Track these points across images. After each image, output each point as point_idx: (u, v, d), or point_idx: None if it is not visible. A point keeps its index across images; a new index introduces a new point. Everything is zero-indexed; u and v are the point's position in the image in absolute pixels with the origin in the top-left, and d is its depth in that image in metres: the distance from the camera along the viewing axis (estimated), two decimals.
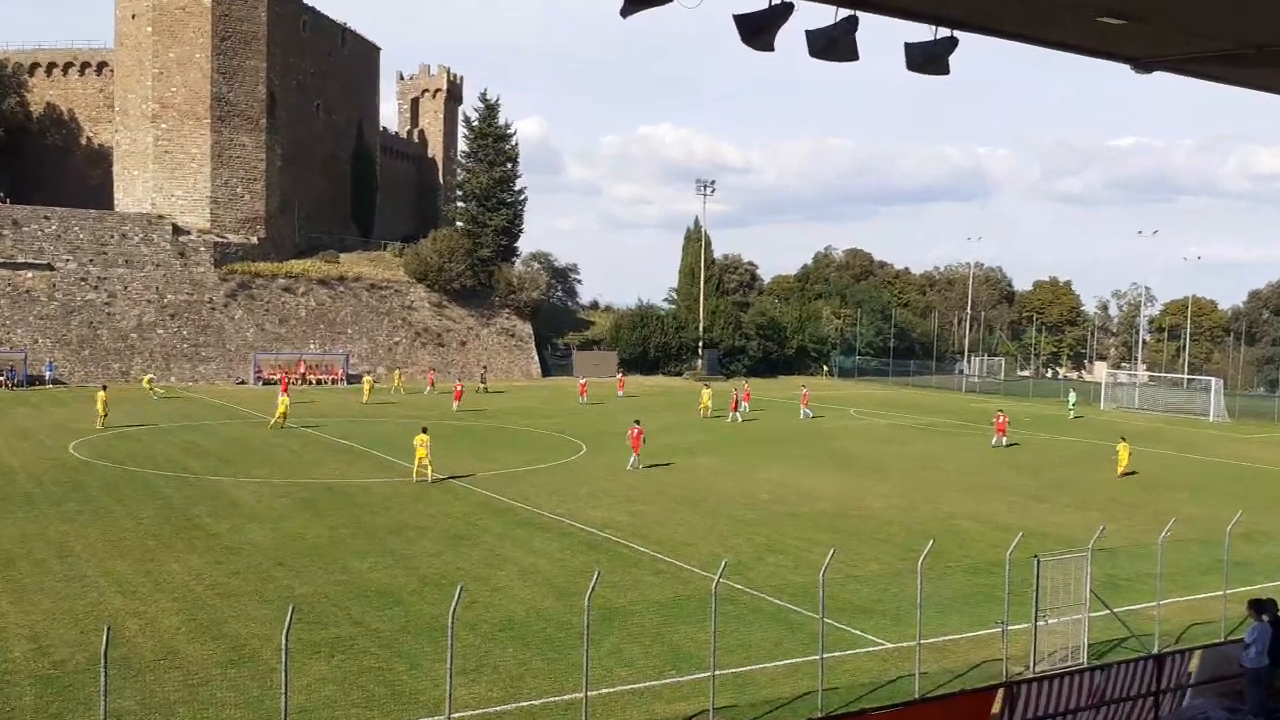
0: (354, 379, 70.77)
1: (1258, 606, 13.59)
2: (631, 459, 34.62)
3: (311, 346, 72.92)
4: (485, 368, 73.54)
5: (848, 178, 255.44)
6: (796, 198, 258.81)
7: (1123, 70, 5.48)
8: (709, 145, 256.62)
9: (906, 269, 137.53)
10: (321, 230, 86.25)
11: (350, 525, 24.61)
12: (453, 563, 21.28)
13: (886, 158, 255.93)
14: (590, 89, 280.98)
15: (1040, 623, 15.37)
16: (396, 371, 67.63)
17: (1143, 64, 5.61)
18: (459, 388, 55.65)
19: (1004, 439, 44.26)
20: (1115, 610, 17.09)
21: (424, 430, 31.85)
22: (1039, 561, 15.24)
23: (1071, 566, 16.17)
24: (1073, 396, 64.74)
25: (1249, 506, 27.62)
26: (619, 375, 70.67)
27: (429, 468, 30.52)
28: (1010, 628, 15.23)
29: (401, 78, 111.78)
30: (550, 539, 23.78)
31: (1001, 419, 45.32)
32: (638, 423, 35.79)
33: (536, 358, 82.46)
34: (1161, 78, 5.63)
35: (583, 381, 61.26)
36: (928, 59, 5.84)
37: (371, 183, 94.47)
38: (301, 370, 68.04)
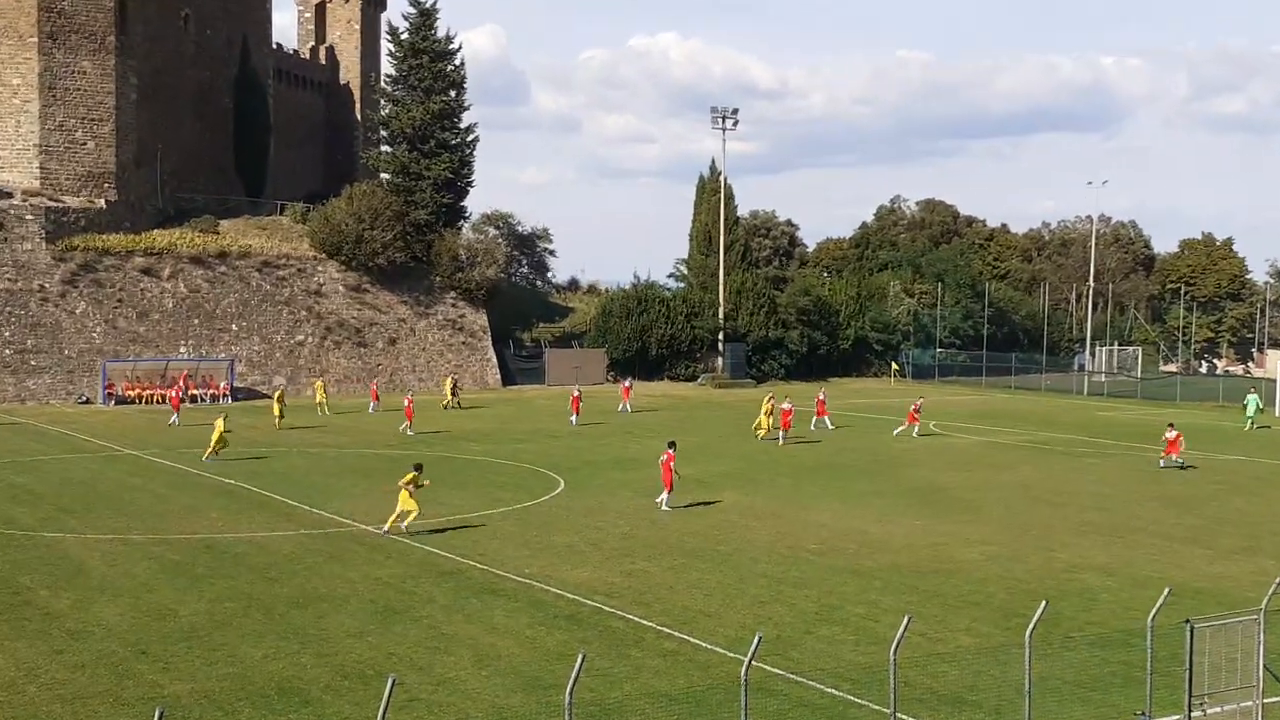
0: (251, 394, 70.80)
1: None
2: (662, 496, 34.91)
3: (183, 350, 73.08)
4: (455, 377, 73.40)
5: (923, 102, 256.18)
6: (852, 132, 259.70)
7: None
8: (729, 61, 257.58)
9: (1004, 226, 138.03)
10: (195, 189, 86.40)
11: (240, 597, 24.55)
12: (382, 646, 21.21)
13: (976, 74, 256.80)
14: None
15: (1197, 713, 15.33)
16: (318, 383, 67.86)
17: None
18: (409, 402, 55.80)
19: (1176, 458, 45.48)
20: None
21: (417, 468, 32.01)
22: (1192, 628, 15.21)
23: (1238, 634, 16.14)
24: (1252, 401, 64.42)
25: None
26: (624, 382, 71.12)
27: (411, 516, 31.29)
28: None
29: None
30: (516, 610, 23.72)
31: (1174, 435, 46.05)
32: (672, 446, 35.89)
33: (494, 359, 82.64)
34: None
35: (576, 393, 61.25)
36: None
37: (262, 122, 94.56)
38: (185, 383, 67.76)
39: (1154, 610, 15.79)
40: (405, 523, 31.07)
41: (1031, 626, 15.27)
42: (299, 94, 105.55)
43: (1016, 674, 16.66)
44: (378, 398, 65.97)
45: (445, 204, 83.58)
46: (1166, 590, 16.87)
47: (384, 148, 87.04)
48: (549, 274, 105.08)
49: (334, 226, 78.97)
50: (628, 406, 65.79)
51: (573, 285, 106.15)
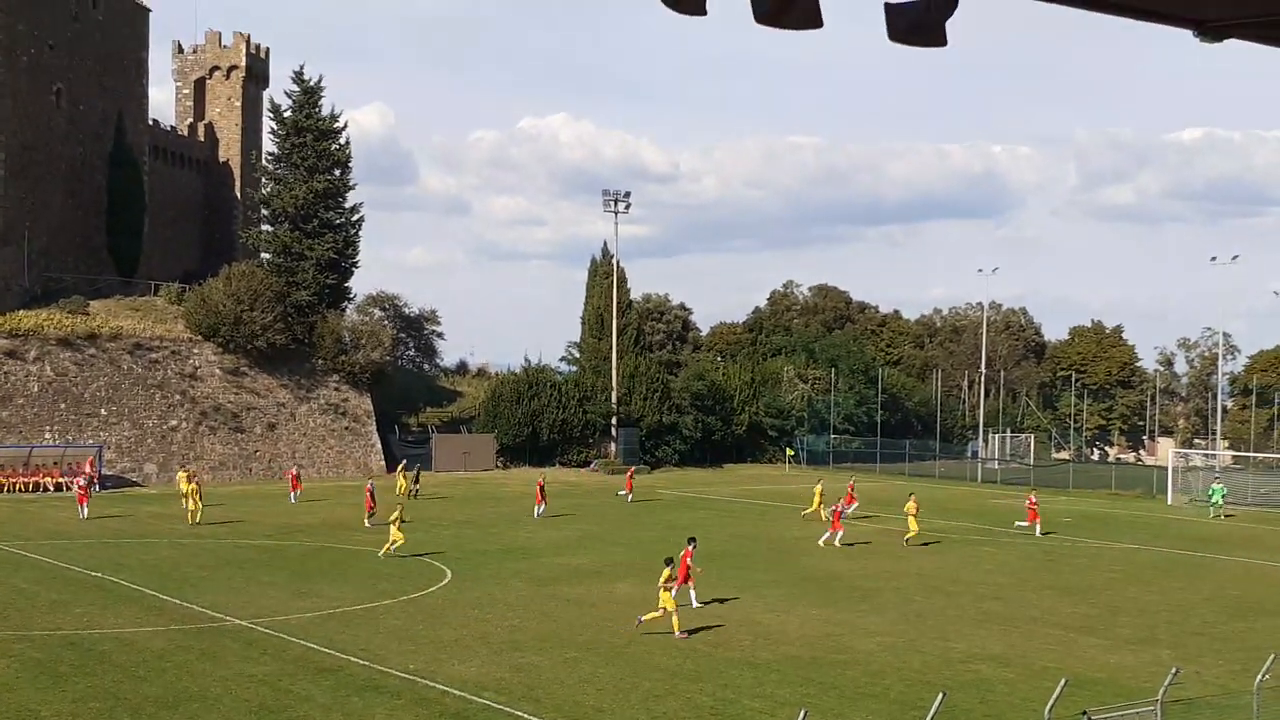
0: (121, 481, 69.12)
1: None
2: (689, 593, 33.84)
3: (48, 436, 71.17)
4: (418, 465, 71.16)
5: (816, 188, 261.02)
6: (745, 216, 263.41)
7: (1184, 39, 5.62)
8: (621, 143, 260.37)
9: (897, 312, 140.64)
10: (64, 269, 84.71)
11: (105, 697, 23.83)
12: None
13: (869, 161, 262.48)
14: (453, 65, 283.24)
15: None
16: (183, 474, 61.77)
17: (1211, 30, 5.78)
18: (369, 490, 54.26)
19: (1036, 525, 51.49)
20: None
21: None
22: None
23: None
24: (1217, 491, 64.89)
25: None
26: (629, 469, 72.37)
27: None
28: None
29: (180, 50, 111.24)
30: (400, 709, 23.31)
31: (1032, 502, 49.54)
32: (691, 542, 34.57)
33: (379, 445, 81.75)
34: (1238, 48, 5.80)
35: (540, 479, 60.58)
36: (917, 25, 5.94)
37: (136, 200, 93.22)
38: (88, 472, 64.69)
39: (1051, 701, 15.96)
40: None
41: (929, 719, 15.33)
42: (176, 171, 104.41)
43: None
44: (298, 485, 63.10)
45: (329, 285, 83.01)
46: (1063, 681, 17.08)
47: (265, 227, 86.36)
48: (437, 357, 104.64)
49: (211, 307, 77.91)
50: (628, 496, 65.46)
51: (461, 369, 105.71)
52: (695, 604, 33.75)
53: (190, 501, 52.04)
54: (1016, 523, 55.01)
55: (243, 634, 29.92)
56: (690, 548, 34.13)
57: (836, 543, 47.16)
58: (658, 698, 24.39)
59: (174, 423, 75.46)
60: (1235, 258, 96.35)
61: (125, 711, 22.90)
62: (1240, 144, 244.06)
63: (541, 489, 57.96)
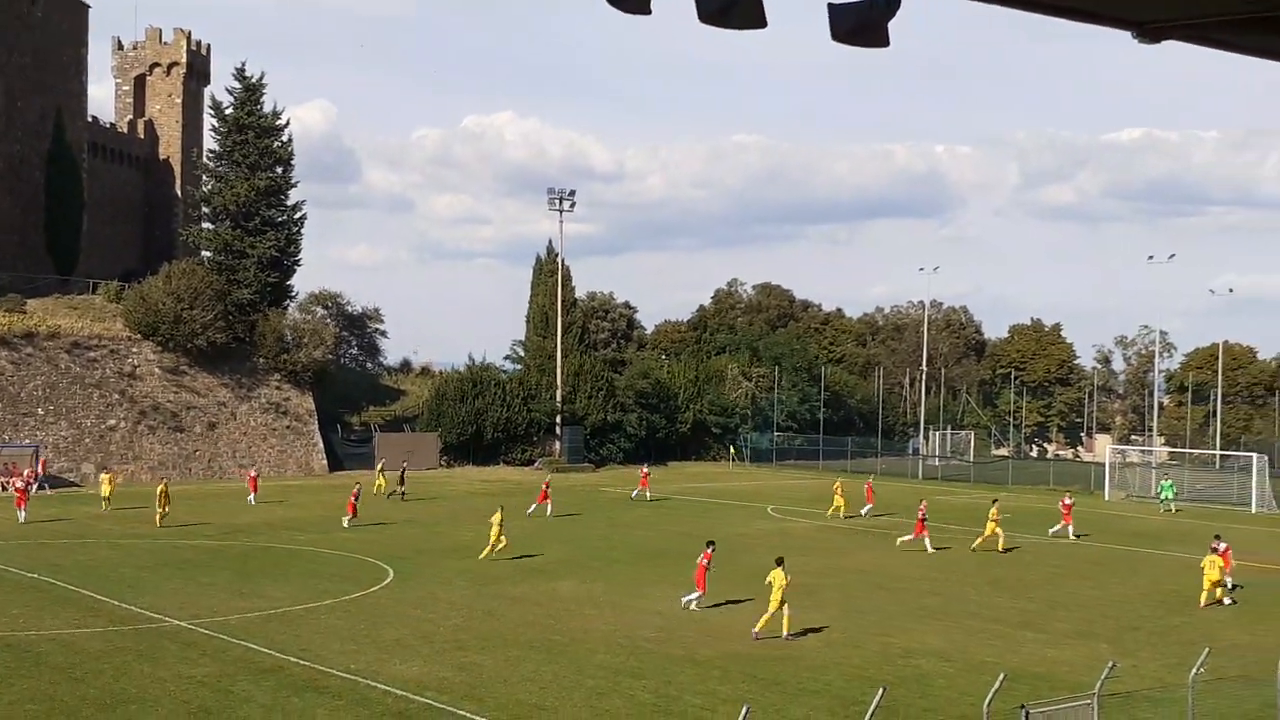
0: (58, 482, 68.14)
1: None
2: (693, 596, 33.63)
3: None
4: (404, 464, 69.52)
5: (759, 187, 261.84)
6: (690, 215, 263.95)
7: (1123, 40, 5.64)
8: (567, 142, 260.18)
9: (839, 311, 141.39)
10: (1, 267, 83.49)
11: (42, 699, 23.51)
12: None
13: (811, 161, 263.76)
14: (396, 63, 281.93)
15: None
16: (105, 476, 60.68)
17: (1150, 30, 5.81)
18: (355, 493, 53.29)
19: (1069, 528, 50.70)
20: None
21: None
22: (1027, 713, 15.51)
23: (1073, 719, 16.50)
24: (1167, 487, 66.73)
25: None
26: (643, 468, 71.31)
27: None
28: None
29: (120, 47, 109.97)
30: (341, 709, 23.15)
31: (1069, 501, 51.96)
32: (710, 545, 34.57)
33: (321, 444, 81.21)
34: (1175, 49, 5.84)
35: (546, 482, 60.49)
36: (860, 26, 5.95)
37: (75, 198, 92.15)
38: (26, 475, 63.34)
39: (989, 696, 16.07)
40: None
41: (869, 715, 15.40)
42: (116, 169, 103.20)
43: None
44: (256, 488, 61.14)
45: (270, 283, 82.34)
46: (1001, 675, 17.21)
47: (205, 225, 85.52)
48: (380, 356, 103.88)
49: (150, 306, 77.03)
50: (646, 494, 65.19)
51: (405, 367, 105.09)
52: (693, 607, 33.50)
53: (160, 504, 50.76)
54: (1051, 529, 52.16)
55: (182, 635, 29.61)
56: (709, 550, 34.12)
57: (929, 548, 46.15)
58: (601, 695, 24.37)
59: (112, 422, 74.55)
60: (1172, 257, 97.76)
61: (62, 714, 22.60)
62: (1178, 144, 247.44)
63: (547, 487, 57.85)
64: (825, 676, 26.19)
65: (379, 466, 68.86)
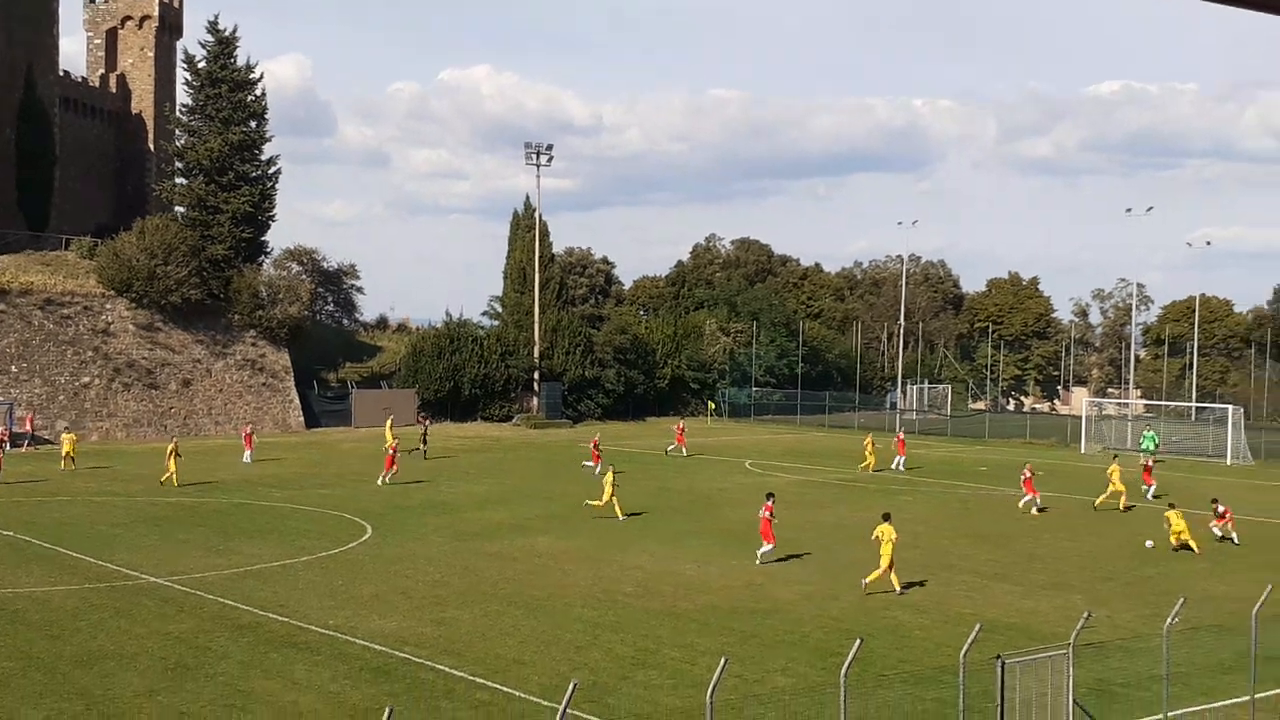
0: (32, 439, 67.92)
1: None
2: (765, 548, 33.94)
3: None
4: (428, 420, 69.30)
5: (738, 142, 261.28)
6: (668, 169, 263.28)
7: None
8: (545, 96, 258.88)
9: (818, 266, 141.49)
10: None
11: (18, 656, 23.48)
12: (174, 705, 20.48)
13: (791, 115, 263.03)
14: (372, 16, 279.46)
15: None
16: (68, 436, 59.56)
17: None
18: (393, 448, 52.89)
19: (1036, 499, 45.72)
20: None
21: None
22: (1003, 664, 15.61)
23: (1048, 670, 16.64)
24: (1150, 439, 67.21)
25: None
26: (679, 424, 71.80)
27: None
28: None
29: (91, 0, 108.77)
30: (319, 664, 23.18)
31: (1029, 475, 47.09)
32: (770, 497, 34.98)
33: (297, 401, 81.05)
34: (1156, 1, 5.78)
35: (596, 438, 61.91)
36: None
37: (47, 153, 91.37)
38: (1, 431, 63.65)
39: (965, 646, 16.17)
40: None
41: (846, 665, 15.48)
42: (87, 123, 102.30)
43: (832, 714, 16.88)
44: (252, 445, 60.46)
45: (245, 239, 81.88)
46: (978, 627, 17.31)
47: (179, 180, 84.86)
48: (356, 312, 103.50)
49: (124, 262, 76.55)
50: (682, 450, 65.71)
51: (382, 324, 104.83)
52: (760, 562, 33.77)
53: (171, 462, 50.45)
54: (1020, 502, 46.84)
55: (159, 591, 29.59)
56: (769, 503, 34.39)
57: (1034, 510, 45.35)
58: (579, 649, 24.47)
59: (86, 379, 74.22)
60: (1150, 209, 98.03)
61: (39, 670, 22.58)
62: (1157, 97, 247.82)
63: (596, 446, 58.30)
64: (803, 628, 26.34)
65: (388, 423, 68.53)
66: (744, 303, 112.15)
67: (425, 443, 63.83)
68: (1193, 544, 36.77)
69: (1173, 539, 36.96)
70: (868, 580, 30.04)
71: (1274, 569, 33.14)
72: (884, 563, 30.00)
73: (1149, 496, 49.27)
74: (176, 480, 49.84)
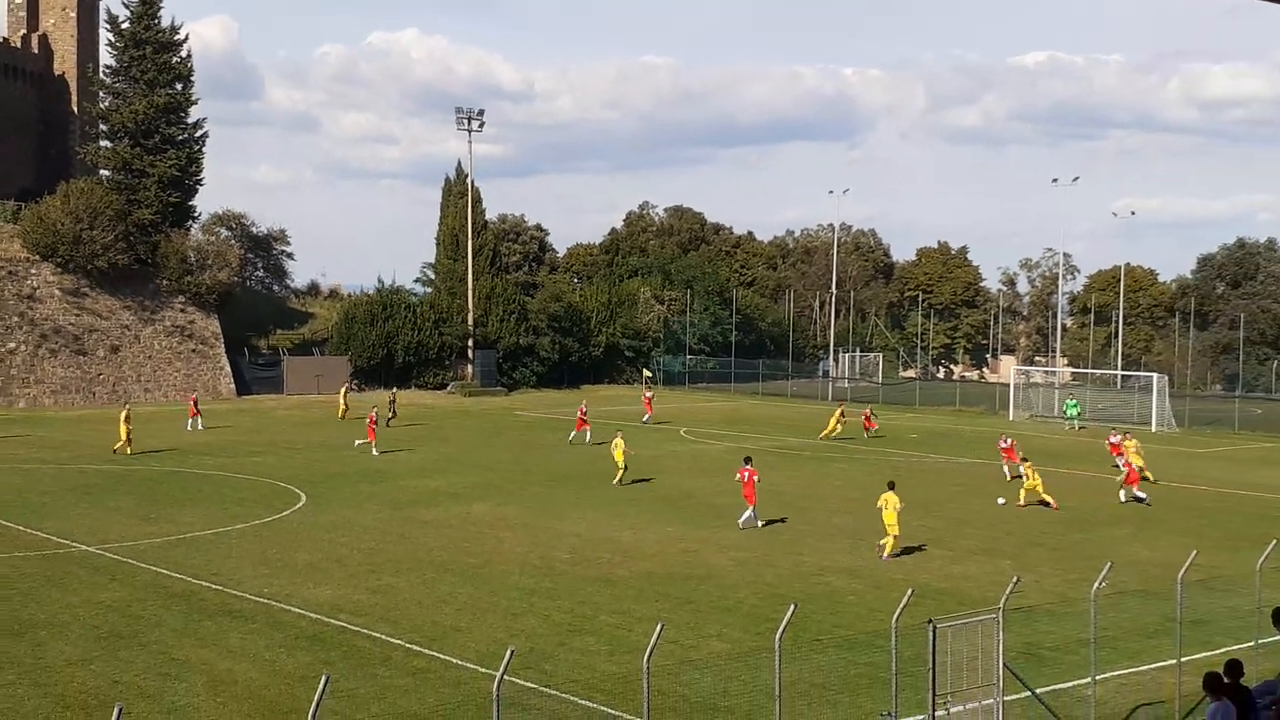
0: None
1: (1214, 682, 14.49)
2: (746, 514, 34.57)
3: None
4: (395, 389, 69.49)
5: (670, 109, 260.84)
6: (600, 136, 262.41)
7: None
8: (475, 61, 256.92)
9: (750, 234, 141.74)
10: None
11: None
12: (107, 674, 20.38)
13: (722, 83, 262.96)
14: None
15: (940, 712, 15.99)
16: None
17: None
18: (373, 418, 52.73)
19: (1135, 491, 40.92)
20: (1037, 691, 18.01)
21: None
22: (934, 628, 15.86)
23: (978, 634, 16.92)
24: (1073, 407, 68.47)
25: (1206, 545, 29.64)
26: (646, 393, 72.26)
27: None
28: None
29: None
30: (254, 632, 23.13)
31: (1007, 442, 47.22)
32: (748, 461, 35.61)
33: (228, 368, 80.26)
34: None
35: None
36: None
37: None
38: None
39: (897, 611, 16.40)
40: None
41: (780, 631, 15.67)
42: (8, 84, 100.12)
43: (767, 678, 17.07)
44: (198, 412, 59.97)
45: (172, 203, 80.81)
46: (910, 591, 17.56)
47: (104, 143, 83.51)
48: (287, 278, 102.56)
49: (49, 226, 75.32)
50: (649, 418, 66.26)
51: (313, 290, 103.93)
52: (743, 524, 34.38)
53: (123, 430, 49.63)
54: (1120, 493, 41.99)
55: (90, 560, 29.34)
56: (748, 466, 34.93)
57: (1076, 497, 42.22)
58: (515, 615, 24.57)
59: (12, 345, 73.05)
60: (1076, 179, 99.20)
61: None
62: (1082, 68, 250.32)
63: (583, 414, 57.68)
64: (738, 594, 26.59)
65: (342, 390, 68.45)
66: (678, 271, 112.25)
67: (394, 412, 63.90)
68: (1050, 500, 38.26)
69: (1023, 495, 38.81)
70: (885, 553, 30.68)
71: (1197, 534, 33.85)
72: (892, 530, 30.82)
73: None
74: (130, 449, 49.17)
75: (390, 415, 63.20)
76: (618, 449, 43.51)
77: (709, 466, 48.00)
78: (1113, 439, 49.60)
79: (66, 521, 34.16)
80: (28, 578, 27.33)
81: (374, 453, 50.26)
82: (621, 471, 42.84)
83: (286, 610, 24.72)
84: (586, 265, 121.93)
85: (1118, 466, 44.80)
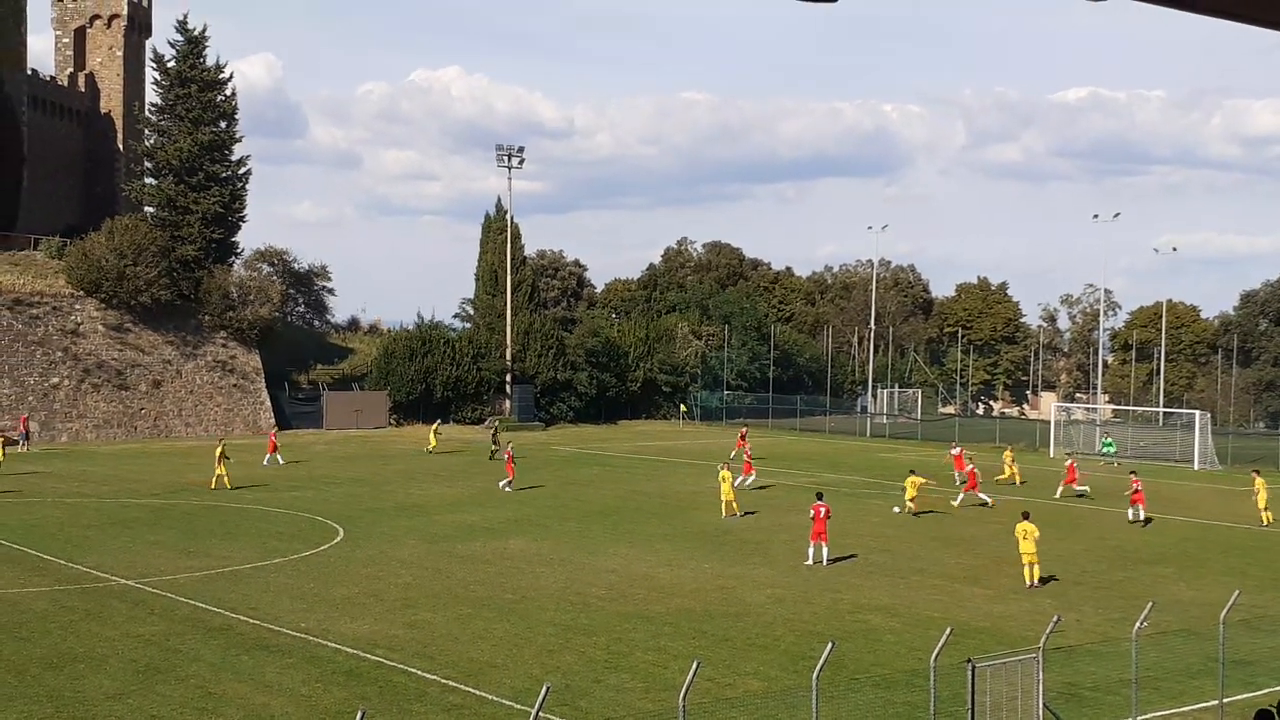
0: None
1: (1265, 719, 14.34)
2: (814, 549, 34.57)
3: None
4: (497, 420, 70.51)
5: (709, 146, 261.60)
6: (639, 173, 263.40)
7: None
8: (515, 98, 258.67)
9: (789, 270, 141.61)
10: None
11: None
12: (144, 709, 20.42)
13: (762, 119, 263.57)
14: (342, 16, 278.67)
15: None
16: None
17: None
18: (509, 454, 52.20)
19: (1142, 511, 44.03)
20: None
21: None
22: (974, 667, 15.71)
23: (1018, 673, 16.75)
24: (1110, 445, 70.13)
25: (1249, 585, 29.35)
26: (741, 430, 70.95)
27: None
28: None
29: None
30: (291, 667, 23.13)
31: (957, 450, 48.63)
32: (820, 497, 35.78)
33: (268, 403, 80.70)
34: (1121, 7, 5.90)
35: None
36: None
37: (14, 152, 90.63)
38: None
39: (936, 650, 16.26)
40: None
41: (818, 669, 15.55)
42: (56, 123, 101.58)
43: (804, 717, 16.93)
44: (275, 448, 59.67)
45: (215, 239, 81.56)
46: (948, 630, 17.41)
47: (148, 180, 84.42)
48: (328, 314, 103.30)
49: (93, 262, 76.12)
50: (743, 453, 65.18)
51: (353, 325, 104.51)
52: (810, 562, 34.30)
53: (220, 465, 49.57)
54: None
55: (130, 594, 29.46)
56: (820, 503, 35.03)
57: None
58: (551, 652, 24.48)
59: (55, 380, 73.75)
60: (1117, 215, 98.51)
61: (9, 672, 22.45)
62: (1124, 103, 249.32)
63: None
64: (775, 632, 26.41)
65: (434, 426, 69.24)
66: (715, 306, 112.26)
67: (496, 444, 64.32)
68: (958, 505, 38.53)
69: (911, 504, 43.73)
70: (1030, 581, 31.58)
71: (1240, 574, 33.45)
72: (1031, 560, 31.72)
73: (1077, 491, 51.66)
74: (229, 482, 49.25)
75: (493, 447, 63.85)
76: (725, 481, 44.24)
77: (746, 502, 47.81)
78: (953, 451, 53.21)
79: (106, 555, 34.34)
80: (68, 611, 27.47)
81: (505, 488, 50.20)
82: (725, 504, 43.89)
83: (323, 645, 24.73)
84: (624, 301, 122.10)
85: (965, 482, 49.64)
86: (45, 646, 24.35)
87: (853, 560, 35.46)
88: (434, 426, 70.58)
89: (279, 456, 58.90)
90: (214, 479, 49.54)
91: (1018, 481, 55.59)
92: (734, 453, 62.63)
